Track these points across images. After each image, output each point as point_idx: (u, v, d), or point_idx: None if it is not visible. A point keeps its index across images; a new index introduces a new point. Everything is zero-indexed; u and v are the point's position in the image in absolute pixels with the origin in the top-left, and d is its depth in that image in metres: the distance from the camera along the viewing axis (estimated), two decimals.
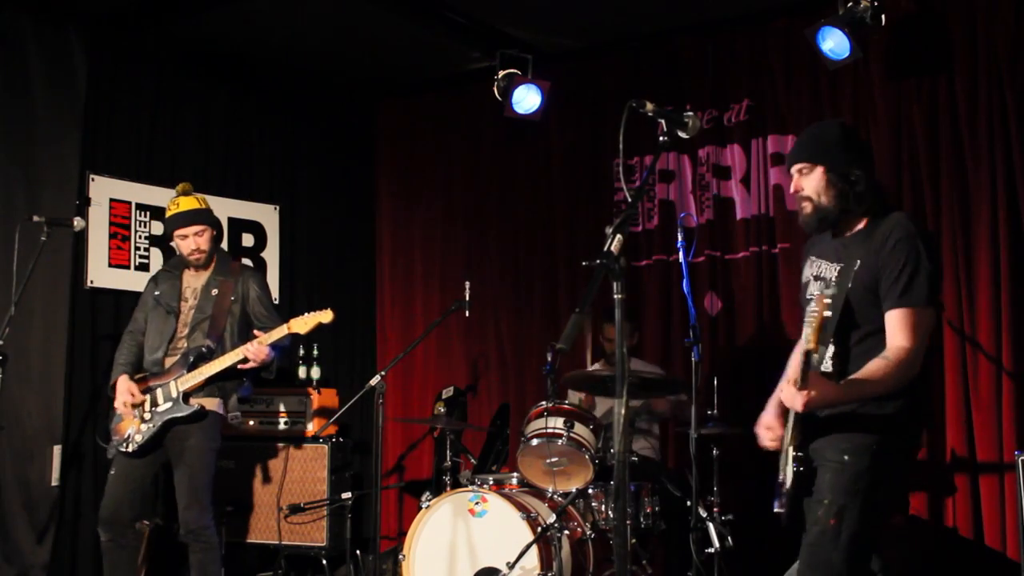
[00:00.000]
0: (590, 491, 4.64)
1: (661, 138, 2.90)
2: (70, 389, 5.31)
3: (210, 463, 4.52)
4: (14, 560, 5.03)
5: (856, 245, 3.11)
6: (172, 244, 4.74)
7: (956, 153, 5.00)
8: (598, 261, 2.50)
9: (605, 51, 6.18)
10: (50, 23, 5.35)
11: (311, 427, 5.70)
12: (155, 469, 4.63)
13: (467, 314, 5.24)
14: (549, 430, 4.58)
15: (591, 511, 4.64)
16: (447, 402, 6.00)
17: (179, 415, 4.44)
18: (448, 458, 5.05)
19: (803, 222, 3.22)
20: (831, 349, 3.08)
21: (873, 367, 2.93)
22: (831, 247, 3.21)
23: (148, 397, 4.50)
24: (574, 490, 4.60)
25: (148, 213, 5.76)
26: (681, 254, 4.39)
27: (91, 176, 5.52)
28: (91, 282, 5.50)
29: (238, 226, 6.28)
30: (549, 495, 4.67)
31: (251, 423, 5.77)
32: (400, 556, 4.62)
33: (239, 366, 4.49)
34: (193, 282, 4.69)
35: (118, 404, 4.53)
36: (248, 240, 6.34)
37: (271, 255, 6.45)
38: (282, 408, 5.79)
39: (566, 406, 4.71)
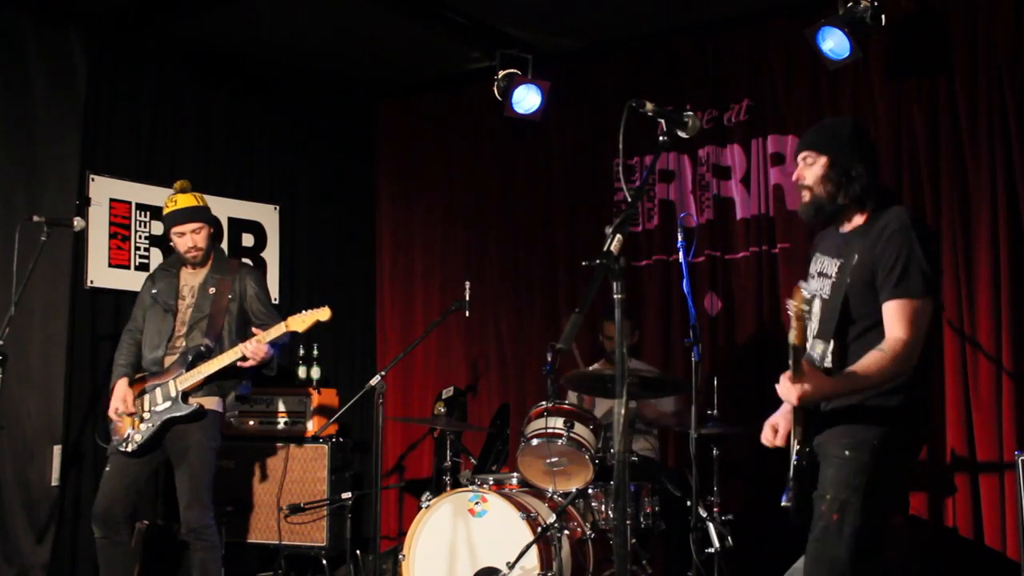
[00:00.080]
0: (590, 491, 4.65)
1: (661, 138, 2.91)
2: (70, 389, 5.31)
3: (210, 462, 4.52)
4: (14, 560, 5.03)
5: (856, 240, 3.12)
6: (170, 242, 4.75)
7: (956, 153, 4.99)
8: (598, 261, 2.51)
9: (605, 51, 6.18)
10: (50, 23, 5.35)
11: (311, 427, 5.70)
12: (152, 468, 4.63)
13: (467, 314, 5.24)
14: (549, 430, 4.58)
15: (591, 511, 4.64)
16: (447, 402, 6.00)
17: (178, 414, 4.44)
18: (448, 458, 5.05)
19: (801, 211, 3.27)
20: (831, 344, 3.08)
21: (869, 359, 2.93)
22: (833, 243, 3.23)
23: (146, 398, 4.51)
24: (574, 490, 4.60)
25: (148, 213, 5.76)
26: (681, 254, 4.38)
27: (91, 176, 5.52)
28: (91, 282, 5.50)
29: (238, 226, 6.28)
30: (549, 495, 4.66)
31: (251, 423, 5.77)
32: (400, 556, 4.62)
33: (238, 363, 4.49)
34: (190, 280, 4.70)
35: (110, 412, 4.55)
36: (248, 240, 6.34)
37: (271, 255, 6.45)
38: (282, 408, 5.79)
39: (566, 406, 4.71)
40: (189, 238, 4.62)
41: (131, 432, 4.47)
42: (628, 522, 2.92)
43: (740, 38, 5.71)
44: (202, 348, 4.52)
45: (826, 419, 3.05)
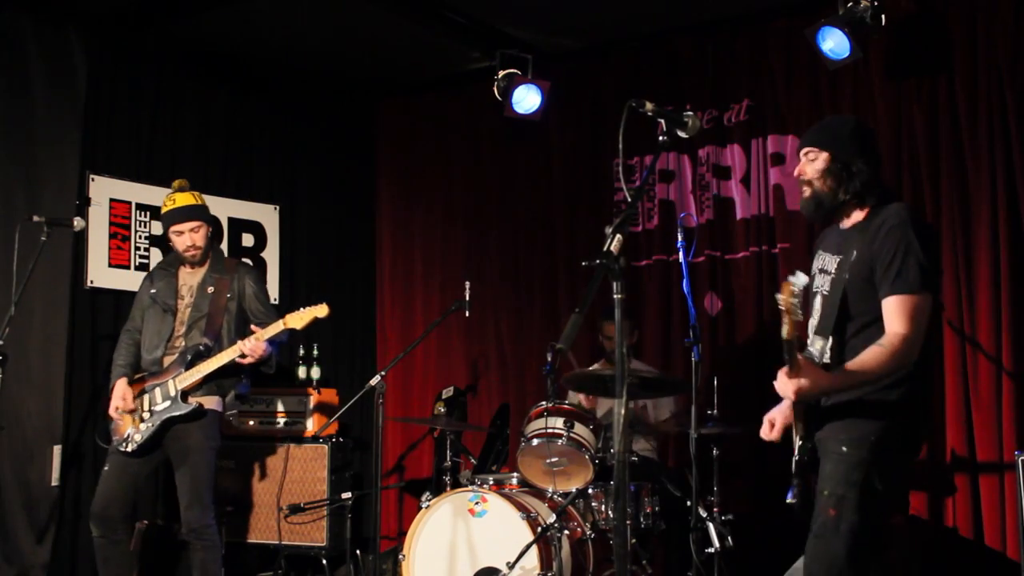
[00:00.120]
0: (590, 491, 4.64)
1: (661, 138, 2.91)
2: (70, 389, 5.31)
3: (210, 461, 4.53)
4: (14, 560, 5.03)
5: (855, 236, 3.12)
6: (168, 241, 4.75)
7: (956, 153, 4.99)
8: (598, 261, 2.51)
9: (605, 51, 6.18)
10: (50, 23, 5.35)
11: (311, 427, 5.70)
12: (151, 468, 4.64)
13: (467, 314, 5.24)
14: (549, 430, 4.58)
15: (591, 511, 4.64)
16: (447, 402, 6.00)
17: (178, 414, 4.44)
18: (448, 458, 5.05)
19: (802, 206, 3.28)
20: (830, 340, 3.08)
21: (867, 354, 2.93)
22: (834, 239, 3.24)
23: (146, 398, 4.51)
24: (574, 490, 4.60)
25: (148, 213, 5.76)
26: (681, 254, 4.38)
27: (91, 176, 5.52)
28: (91, 282, 5.50)
29: (238, 226, 6.28)
30: (549, 495, 4.66)
31: (251, 423, 5.77)
32: (400, 556, 4.62)
33: (237, 361, 4.49)
34: (189, 280, 4.70)
35: (111, 410, 4.55)
36: (248, 240, 6.34)
37: (271, 255, 6.45)
38: (282, 408, 5.79)
39: (566, 406, 4.71)
40: (187, 237, 4.62)
41: (131, 432, 4.47)
42: (628, 522, 2.92)
43: (740, 38, 5.71)
44: (201, 347, 4.52)
45: (826, 414, 3.05)
